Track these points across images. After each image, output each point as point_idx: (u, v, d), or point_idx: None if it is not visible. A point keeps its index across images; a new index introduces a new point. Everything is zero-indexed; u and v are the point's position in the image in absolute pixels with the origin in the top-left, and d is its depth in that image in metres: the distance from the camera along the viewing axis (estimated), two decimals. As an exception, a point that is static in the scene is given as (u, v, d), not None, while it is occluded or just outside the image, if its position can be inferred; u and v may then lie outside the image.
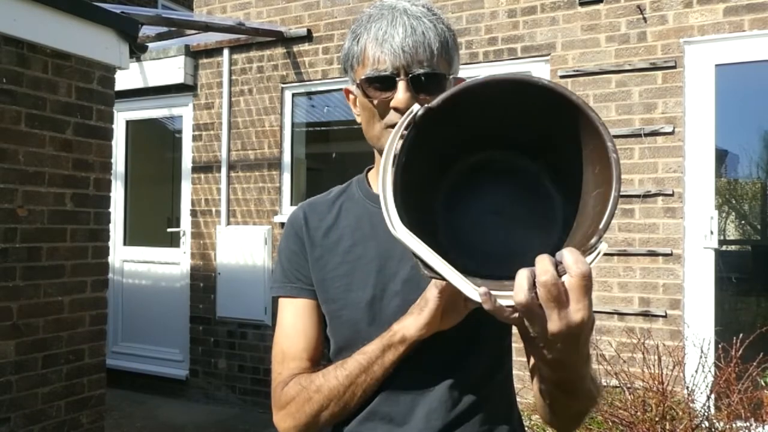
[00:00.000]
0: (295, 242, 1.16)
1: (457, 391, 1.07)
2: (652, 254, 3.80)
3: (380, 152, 1.08)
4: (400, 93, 1.01)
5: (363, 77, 1.04)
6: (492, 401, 1.11)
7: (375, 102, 1.04)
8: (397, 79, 1.02)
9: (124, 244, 5.87)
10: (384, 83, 1.03)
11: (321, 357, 1.15)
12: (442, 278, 0.77)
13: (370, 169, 1.22)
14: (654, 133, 3.83)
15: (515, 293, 0.72)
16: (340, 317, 1.11)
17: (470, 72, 4.46)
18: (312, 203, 1.21)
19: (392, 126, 1.02)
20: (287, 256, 1.17)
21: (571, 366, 0.83)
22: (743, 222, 4.36)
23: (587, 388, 0.93)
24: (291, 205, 4.99)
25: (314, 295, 1.13)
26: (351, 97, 1.14)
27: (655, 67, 3.84)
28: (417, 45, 1.01)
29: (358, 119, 1.12)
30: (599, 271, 3.95)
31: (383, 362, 1.02)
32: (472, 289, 0.75)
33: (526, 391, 3.91)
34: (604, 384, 3.13)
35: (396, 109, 1.02)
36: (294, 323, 1.14)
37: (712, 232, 3.69)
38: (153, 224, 6.08)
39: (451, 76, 1.06)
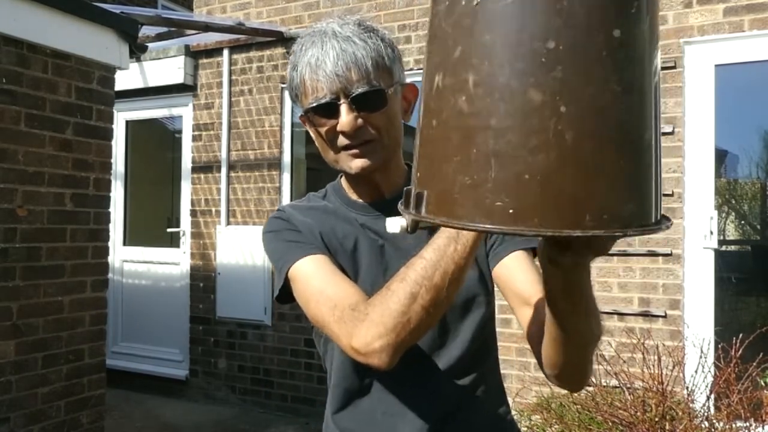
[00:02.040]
0: (295, 227, 1.13)
1: (454, 377, 1.09)
2: (652, 254, 3.80)
3: (343, 172, 1.13)
4: (344, 116, 1.02)
5: (306, 108, 1.06)
6: (487, 385, 1.14)
7: (323, 131, 1.06)
8: (338, 103, 1.02)
9: (124, 244, 5.87)
10: (327, 110, 1.03)
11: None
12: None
13: (341, 176, 1.23)
14: (654, 133, 3.83)
15: None
16: None
17: (470, 72, 4.46)
18: (292, 206, 1.20)
19: (345, 148, 1.06)
20: (291, 232, 1.11)
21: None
22: (743, 222, 4.36)
23: (594, 307, 0.89)
24: (291, 205, 4.99)
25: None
26: (307, 123, 1.14)
27: (655, 67, 3.84)
28: (349, 66, 1.01)
29: (316, 143, 1.13)
30: (599, 271, 3.95)
31: (453, 254, 0.88)
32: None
33: (526, 391, 3.92)
34: (604, 384, 3.13)
35: (343, 133, 1.04)
36: (331, 271, 1.04)
37: (711, 232, 3.69)
38: (153, 224, 6.08)
39: (391, 90, 1.06)
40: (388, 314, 0.90)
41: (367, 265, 1.11)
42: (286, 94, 5.11)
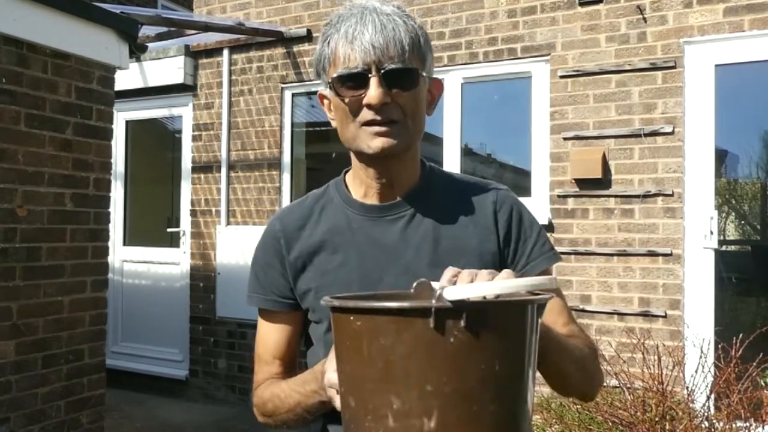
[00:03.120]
0: (271, 255, 1.15)
1: None
2: (652, 254, 3.80)
3: (356, 153, 1.08)
4: (372, 89, 0.98)
5: (334, 75, 1.01)
6: None
7: (347, 101, 1.01)
8: (369, 75, 0.99)
9: (124, 244, 5.87)
10: (356, 81, 1.00)
11: (295, 360, 1.20)
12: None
13: (347, 171, 1.18)
14: (654, 133, 3.83)
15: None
16: (328, 328, 1.07)
17: (470, 72, 4.46)
18: (288, 211, 1.18)
19: (367, 124, 1.01)
20: (262, 267, 1.17)
21: None
22: (743, 222, 4.36)
23: (569, 357, 1.03)
24: (291, 205, 4.99)
25: (288, 306, 1.15)
26: (325, 101, 1.11)
27: (655, 67, 3.84)
28: (387, 41, 0.99)
29: (333, 123, 1.09)
30: (599, 271, 3.95)
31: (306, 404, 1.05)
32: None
33: (526, 391, 3.91)
34: (604, 384, 3.13)
35: (369, 106, 1.00)
36: (267, 333, 1.18)
37: (712, 232, 3.69)
38: (153, 224, 6.08)
39: (424, 74, 1.05)
40: (264, 418, 1.15)
41: (358, 281, 1.07)
42: (287, 93, 5.12)
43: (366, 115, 1.01)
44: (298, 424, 1.09)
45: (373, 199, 1.11)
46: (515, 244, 1.12)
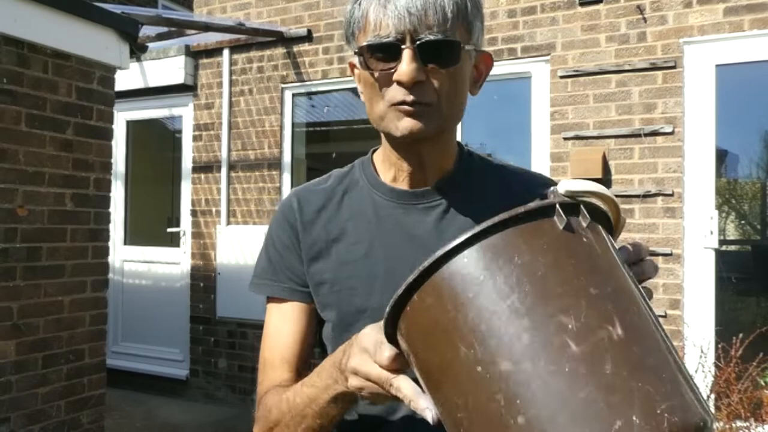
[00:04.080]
0: (288, 234, 1.01)
1: None
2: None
3: (386, 134, 0.94)
4: (404, 64, 0.84)
5: (363, 44, 0.87)
6: None
7: (376, 75, 0.88)
8: (402, 47, 0.84)
9: (124, 243, 5.87)
10: (387, 52, 0.85)
11: (307, 365, 1.02)
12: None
13: (374, 151, 1.05)
14: (654, 133, 3.83)
15: None
16: (347, 324, 0.96)
17: (470, 72, 4.46)
18: (308, 190, 1.04)
19: (396, 104, 0.87)
20: (278, 249, 1.02)
21: None
22: (743, 222, 4.36)
23: None
24: (291, 205, 4.99)
25: (307, 297, 1.00)
26: (355, 71, 0.96)
27: (655, 67, 3.84)
28: (426, 5, 0.83)
29: (362, 97, 0.95)
30: (599, 271, 3.95)
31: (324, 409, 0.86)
32: None
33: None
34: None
35: (399, 83, 0.86)
36: (279, 328, 1.01)
37: (712, 232, 3.69)
38: (153, 224, 6.09)
39: (470, 47, 0.89)
40: (263, 423, 0.95)
41: (383, 275, 0.96)
42: (287, 94, 5.12)
43: (396, 94, 0.87)
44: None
45: (403, 184, 0.99)
46: None
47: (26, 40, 3.05)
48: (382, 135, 0.97)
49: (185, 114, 5.61)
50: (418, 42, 0.84)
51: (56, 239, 3.23)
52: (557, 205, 0.59)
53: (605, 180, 3.94)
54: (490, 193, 0.99)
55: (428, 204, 0.98)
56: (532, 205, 0.59)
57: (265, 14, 5.21)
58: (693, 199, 3.75)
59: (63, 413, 3.26)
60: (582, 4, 4.05)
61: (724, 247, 3.98)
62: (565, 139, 4.07)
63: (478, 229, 0.58)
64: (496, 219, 0.57)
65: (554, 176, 4.11)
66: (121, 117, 5.73)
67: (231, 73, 5.29)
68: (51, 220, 3.21)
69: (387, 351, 0.69)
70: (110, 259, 3.68)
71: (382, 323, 0.67)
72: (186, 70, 5.40)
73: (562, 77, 4.10)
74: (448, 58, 0.86)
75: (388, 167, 1.00)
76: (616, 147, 3.94)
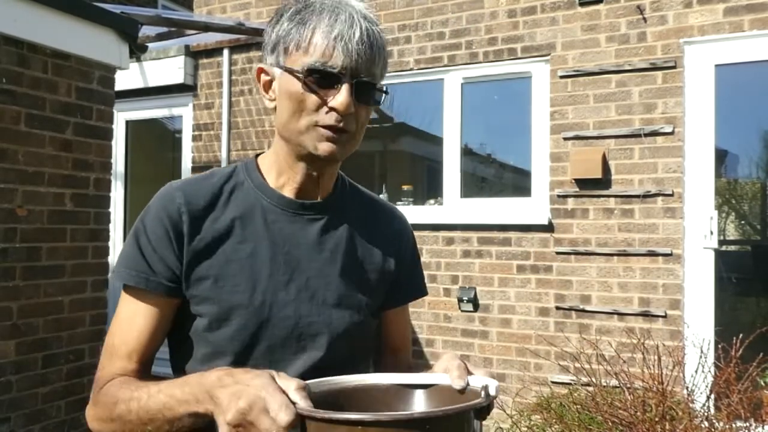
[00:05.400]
0: (166, 228, 1.01)
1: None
2: (652, 254, 3.80)
3: (294, 145, 1.02)
4: (343, 96, 0.96)
5: (308, 66, 0.95)
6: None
7: (310, 96, 0.97)
8: (344, 80, 0.96)
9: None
10: (327, 79, 0.96)
11: (153, 358, 1.05)
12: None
13: (258, 155, 1.14)
14: (654, 133, 3.83)
15: None
16: (224, 320, 1.01)
17: (470, 72, 4.46)
18: (192, 185, 1.06)
19: (324, 127, 0.98)
20: (152, 240, 1.01)
21: None
22: (743, 222, 4.36)
23: None
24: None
25: (171, 291, 1.01)
26: (264, 78, 1.04)
27: (655, 67, 3.84)
28: (373, 54, 0.97)
29: (271, 104, 1.04)
30: (599, 271, 3.95)
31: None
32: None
33: (526, 391, 3.92)
34: (604, 384, 3.13)
35: (333, 110, 0.97)
36: (134, 319, 1.01)
37: (712, 232, 3.69)
38: (153, 224, 6.08)
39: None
40: (107, 425, 0.98)
41: (267, 276, 1.03)
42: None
43: (326, 118, 0.97)
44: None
45: (290, 193, 1.07)
46: (407, 270, 1.19)
47: (26, 40, 3.05)
48: (285, 144, 1.05)
49: (185, 114, 5.61)
50: (355, 80, 0.97)
51: (56, 239, 3.23)
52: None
53: (605, 180, 3.94)
54: (361, 215, 1.14)
55: (313, 216, 1.08)
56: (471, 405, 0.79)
57: (265, 14, 5.21)
58: (693, 199, 3.75)
59: (63, 413, 3.26)
60: (582, 4, 4.05)
61: (724, 248, 3.98)
62: (565, 139, 4.07)
63: (425, 415, 0.75)
64: (441, 412, 0.75)
65: (555, 176, 4.11)
66: (121, 117, 5.73)
67: (231, 73, 5.29)
68: (51, 220, 3.21)
69: (291, 416, 0.74)
70: (110, 259, 3.68)
71: (276, 382, 0.78)
72: (186, 70, 5.40)
73: (562, 77, 4.10)
74: (372, 98, 1.01)
75: (278, 174, 1.08)
76: (616, 147, 3.94)
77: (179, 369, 1.06)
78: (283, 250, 1.05)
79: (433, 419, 0.73)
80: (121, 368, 1.01)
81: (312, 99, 0.97)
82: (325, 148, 0.99)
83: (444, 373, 0.91)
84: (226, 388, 0.81)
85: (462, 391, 0.88)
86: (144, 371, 1.03)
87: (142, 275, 1.00)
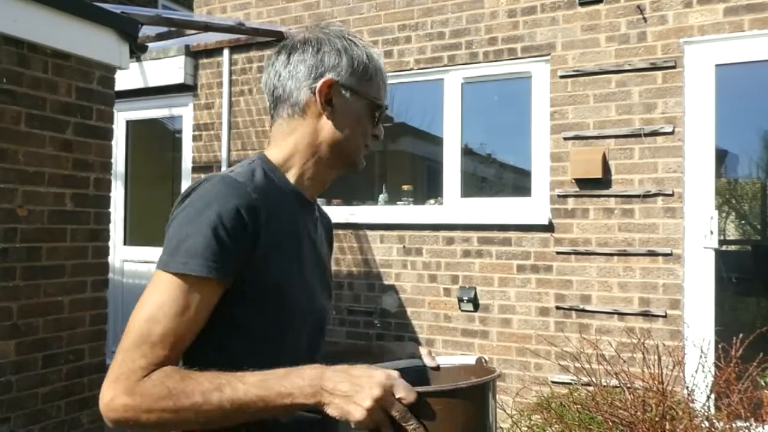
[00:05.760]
0: (247, 220, 1.01)
1: None
2: (652, 254, 3.80)
3: (343, 156, 1.18)
4: (381, 128, 1.23)
5: (378, 102, 1.18)
6: None
7: (370, 123, 1.20)
8: (383, 116, 1.21)
9: (124, 244, 5.87)
10: (377, 111, 1.19)
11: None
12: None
13: (266, 152, 1.19)
14: (654, 133, 3.83)
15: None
16: (281, 314, 1.07)
17: (470, 72, 4.46)
18: (253, 180, 1.08)
19: (366, 146, 1.21)
20: (231, 231, 1.00)
21: None
22: (743, 222, 4.36)
23: None
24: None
25: (230, 281, 1.02)
26: (336, 92, 1.14)
27: (655, 67, 3.84)
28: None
29: (336, 118, 1.15)
30: (599, 271, 3.95)
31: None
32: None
33: (526, 391, 3.91)
34: (604, 384, 3.13)
35: (375, 138, 1.22)
36: (187, 309, 0.98)
37: (712, 232, 3.69)
38: (153, 224, 6.08)
39: None
40: (155, 419, 0.94)
41: (310, 270, 1.17)
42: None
43: (369, 141, 1.21)
44: (200, 427, 0.96)
45: (307, 192, 1.20)
46: (328, 264, 1.34)
47: (26, 40, 3.05)
48: (330, 151, 1.17)
49: (185, 114, 5.61)
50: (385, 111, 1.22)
51: (56, 239, 3.23)
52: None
53: (605, 180, 3.94)
54: (319, 214, 1.28)
55: (314, 214, 1.24)
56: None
57: (265, 14, 5.21)
58: (693, 199, 3.75)
59: (63, 413, 3.26)
60: (582, 4, 4.05)
61: (724, 247, 3.98)
62: (565, 139, 4.07)
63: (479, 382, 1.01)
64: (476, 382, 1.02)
65: (555, 176, 4.11)
66: (121, 117, 5.73)
67: (231, 73, 5.29)
68: (51, 220, 3.21)
69: (415, 395, 0.92)
70: (110, 259, 3.68)
71: (394, 372, 0.96)
72: (186, 70, 5.39)
73: (562, 77, 4.10)
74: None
75: (299, 175, 1.18)
76: (616, 147, 3.94)
77: (204, 361, 1.00)
78: (314, 246, 1.20)
79: (486, 384, 1.00)
80: (164, 358, 0.97)
81: (371, 127, 1.20)
82: (363, 162, 1.22)
83: (414, 357, 1.21)
84: (347, 382, 0.93)
85: (438, 368, 1.20)
86: (176, 363, 1.00)
87: (212, 265, 0.98)
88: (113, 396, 0.95)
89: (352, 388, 0.91)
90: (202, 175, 5.16)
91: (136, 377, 0.95)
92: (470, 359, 1.20)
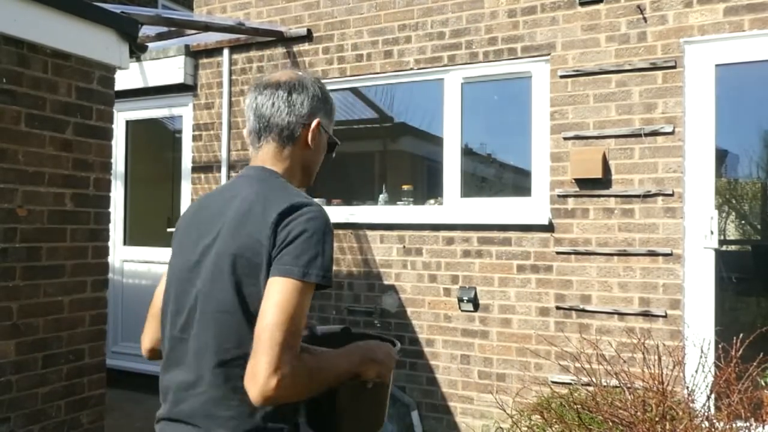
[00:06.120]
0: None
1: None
2: (652, 254, 3.80)
3: (309, 177, 1.58)
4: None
5: (335, 138, 1.61)
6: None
7: (323, 153, 1.60)
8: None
9: (124, 244, 5.87)
10: (333, 146, 1.63)
11: None
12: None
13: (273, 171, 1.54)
14: (654, 133, 3.83)
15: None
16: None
17: (470, 72, 4.46)
18: None
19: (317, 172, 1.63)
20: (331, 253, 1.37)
21: None
22: (743, 222, 4.35)
23: None
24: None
25: None
26: (318, 132, 1.52)
27: (655, 67, 3.84)
28: None
29: (313, 151, 1.54)
30: (599, 271, 3.95)
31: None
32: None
33: (526, 391, 3.91)
34: (604, 384, 3.13)
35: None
36: (306, 312, 1.30)
37: (712, 232, 3.69)
38: (153, 224, 6.08)
39: None
40: (304, 388, 1.28)
41: None
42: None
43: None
44: (320, 390, 1.34)
45: None
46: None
47: (26, 39, 3.05)
48: (305, 171, 1.57)
49: (185, 114, 5.61)
50: None
51: (56, 239, 3.23)
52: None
53: (605, 180, 3.94)
54: None
55: None
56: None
57: (265, 14, 5.21)
58: (693, 199, 3.75)
59: (63, 413, 3.26)
60: (582, 4, 4.05)
61: (724, 247, 3.98)
62: (565, 139, 4.07)
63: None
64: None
65: (555, 176, 4.11)
66: (121, 117, 5.73)
67: (231, 73, 5.29)
68: (51, 220, 3.21)
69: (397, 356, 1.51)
70: (110, 259, 3.68)
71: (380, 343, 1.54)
72: (186, 70, 5.40)
73: (562, 77, 4.10)
74: None
75: None
76: (616, 147, 3.94)
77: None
78: None
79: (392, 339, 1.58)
80: (299, 347, 1.27)
81: (325, 155, 1.62)
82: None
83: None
84: (378, 352, 1.45)
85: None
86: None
87: (328, 277, 1.32)
88: (291, 367, 1.22)
89: (385, 355, 1.45)
90: (201, 176, 5.08)
91: (295, 361, 1.23)
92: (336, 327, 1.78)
